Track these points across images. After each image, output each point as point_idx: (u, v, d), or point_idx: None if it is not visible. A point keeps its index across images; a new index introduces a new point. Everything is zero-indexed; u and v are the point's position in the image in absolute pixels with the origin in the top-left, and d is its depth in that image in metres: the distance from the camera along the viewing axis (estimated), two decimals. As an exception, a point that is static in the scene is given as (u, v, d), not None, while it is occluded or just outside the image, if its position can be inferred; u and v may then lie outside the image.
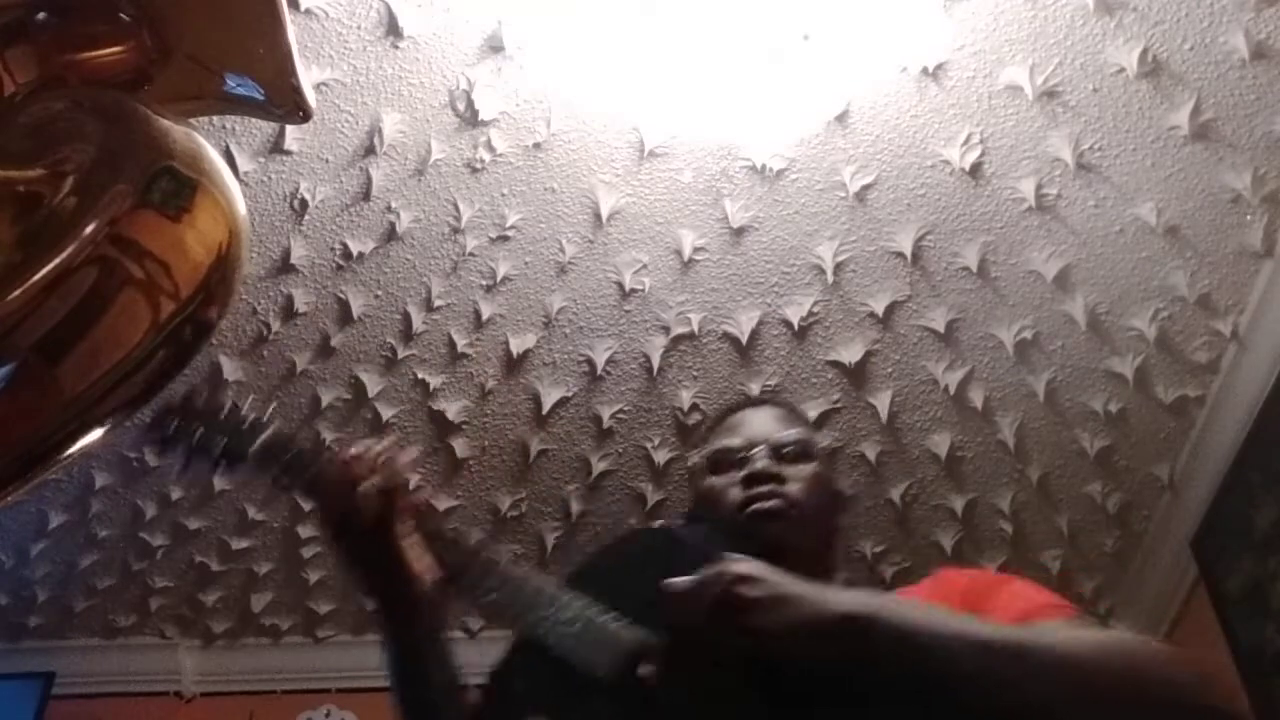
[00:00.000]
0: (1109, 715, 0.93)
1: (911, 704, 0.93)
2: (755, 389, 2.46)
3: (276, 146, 2.06)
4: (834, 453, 1.39)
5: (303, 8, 1.84)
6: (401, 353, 2.41)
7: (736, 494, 1.24)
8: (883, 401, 2.47)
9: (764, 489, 1.23)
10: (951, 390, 2.42)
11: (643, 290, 2.29)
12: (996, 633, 0.96)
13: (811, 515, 1.26)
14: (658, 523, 1.12)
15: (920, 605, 1.02)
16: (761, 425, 1.33)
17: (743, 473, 1.26)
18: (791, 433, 1.32)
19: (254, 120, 1.97)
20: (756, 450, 1.28)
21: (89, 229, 0.56)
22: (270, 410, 1.26)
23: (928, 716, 0.93)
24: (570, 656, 1.03)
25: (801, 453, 1.30)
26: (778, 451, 1.29)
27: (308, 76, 1.36)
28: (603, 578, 1.12)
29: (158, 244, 0.60)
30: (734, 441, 1.31)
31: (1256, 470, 2.34)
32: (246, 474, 1.26)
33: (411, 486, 1.17)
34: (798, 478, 1.26)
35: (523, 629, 1.09)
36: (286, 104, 0.75)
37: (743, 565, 0.96)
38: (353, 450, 1.17)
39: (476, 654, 3.06)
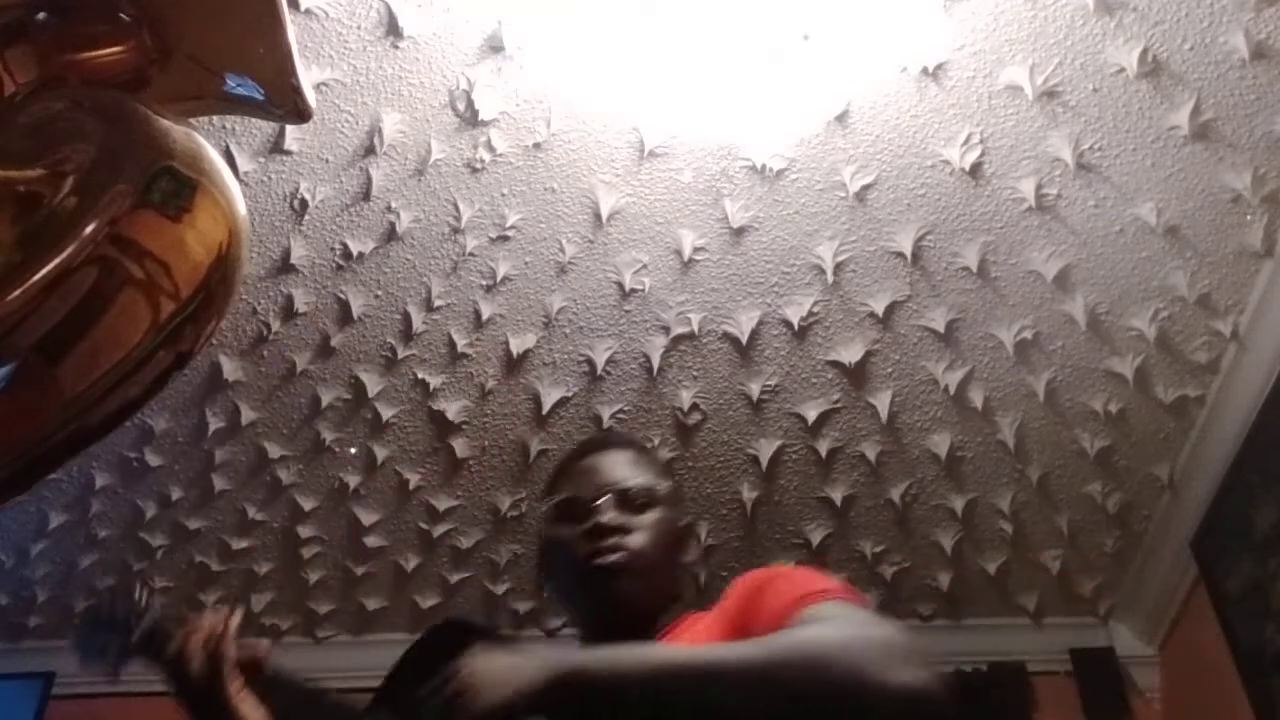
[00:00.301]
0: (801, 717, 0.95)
1: None
2: (755, 389, 2.46)
3: (276, 146, 2.06)
4: (678, 491, 1.43)
5: (303, 8, 1.84)
6: (401, 353, 2.41)
7: (583, 545, 1.28)
8: (883, 401, 2.47)
9: (608, 542, 1.27)
10: (951, 390, 2.42)
11: (643, 290, 2.29)
12: (691, 656, 1.02)
13: (654, 562, 1.30)
14: (436, 623, 1.22)
15: (633, 648, 1.06)
16: (609, 471, 1.36)
17: (588, 525, 1.29)
18: (638, 480, 1.34)
19: (254, 120, 1.97)
20: (603, 500, 1.31)
21: (89, 229, 0.56)
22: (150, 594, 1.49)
23: None
24: None
25: (648, 500, 1.33)
26: (624, 499, 1.32)
27: (308, 76, 1.36)
28: (390, 693, 1.20)
29: (158, 244, 0.60)
30: (582, 491, 1.34)
31: (1256, 470, 2.34)
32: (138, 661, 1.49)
33: (239, 644, 1.36)
34: (642, 526, 1.30)
35: None
36: (286, 104, 0.75)
37: (466, 659, 1.01)
38: (191, 625, 1.39)
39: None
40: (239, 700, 1.33)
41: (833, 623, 1.04)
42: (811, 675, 0.95)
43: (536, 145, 2.05)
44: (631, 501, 1.32)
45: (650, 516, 1.32)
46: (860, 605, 1.09)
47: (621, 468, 1.36)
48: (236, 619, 1.39)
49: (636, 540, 1.28)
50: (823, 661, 0.96)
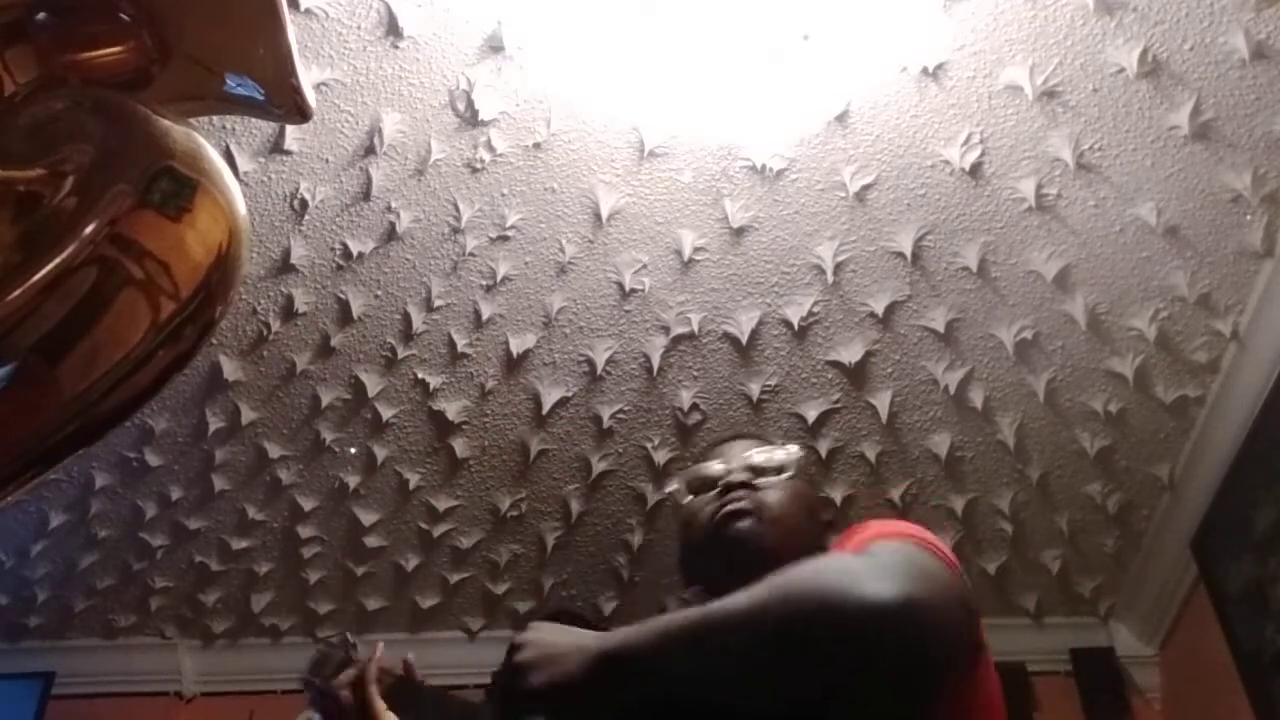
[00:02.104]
0: (787, 669, 0.92)
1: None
2: (755, 389, 2.46)
3: (276, 146, 2.06)
4: (809, 467, 1.44)
5: (303, 8, 1.84)
6: (401, 353, 2.41)
7: (712, 506, 1.30)
8: (883, 401, 2.47)
9: (737, 493, 1.29)
10: (951, 390, 2.42)
11: (643, 290, 2.29)
12: (688, 615, 1.00)
13: (783, 521, 1.29)
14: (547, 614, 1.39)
15: (654, 619, 1.05)
16: (737, 452, 1.39)
17: (718, 488, 1.31)
18: (765, 453, 1.37)
19: (254, 120, 1.97)
20: (732, 469, 1.34)
21: (89, 229, 0.56)
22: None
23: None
24: None
25: (777, 468, 1.35)
26: (754, 470, 1.34)
27: (308, 76, 1.36)
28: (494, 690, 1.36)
29: (158, 244, 0.60)
30: (712, 468, 1.37)
31: (1256, 470, 2.34)
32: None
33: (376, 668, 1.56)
34: (771, 485, 1.31)
35: None
36: (286, 104, 0.75)
37: (522, 634, 1.08)
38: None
39: (476, 654, 3.08)
40: (385, 714, 1.53)
41: (836, 558, 1.03)
42: (789, 607, 0.92)
43: (536, 145, 2.05)
44: (760, 469, 1.33)
45: (780, 478, 1.32)
46: (920, 548, 1.04)
47: (748, 449, 1.39)
48: (378, 657, 1.60)
49: (766, 495, 1.29)
50: (797, 591, 0.94)
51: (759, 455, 1.36)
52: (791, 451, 1.39)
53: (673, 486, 1.47)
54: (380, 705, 1.53)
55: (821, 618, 0.90)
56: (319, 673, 1.63)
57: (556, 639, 1.07)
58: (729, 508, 1.27)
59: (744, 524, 1.26)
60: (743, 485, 1.30)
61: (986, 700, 1.12)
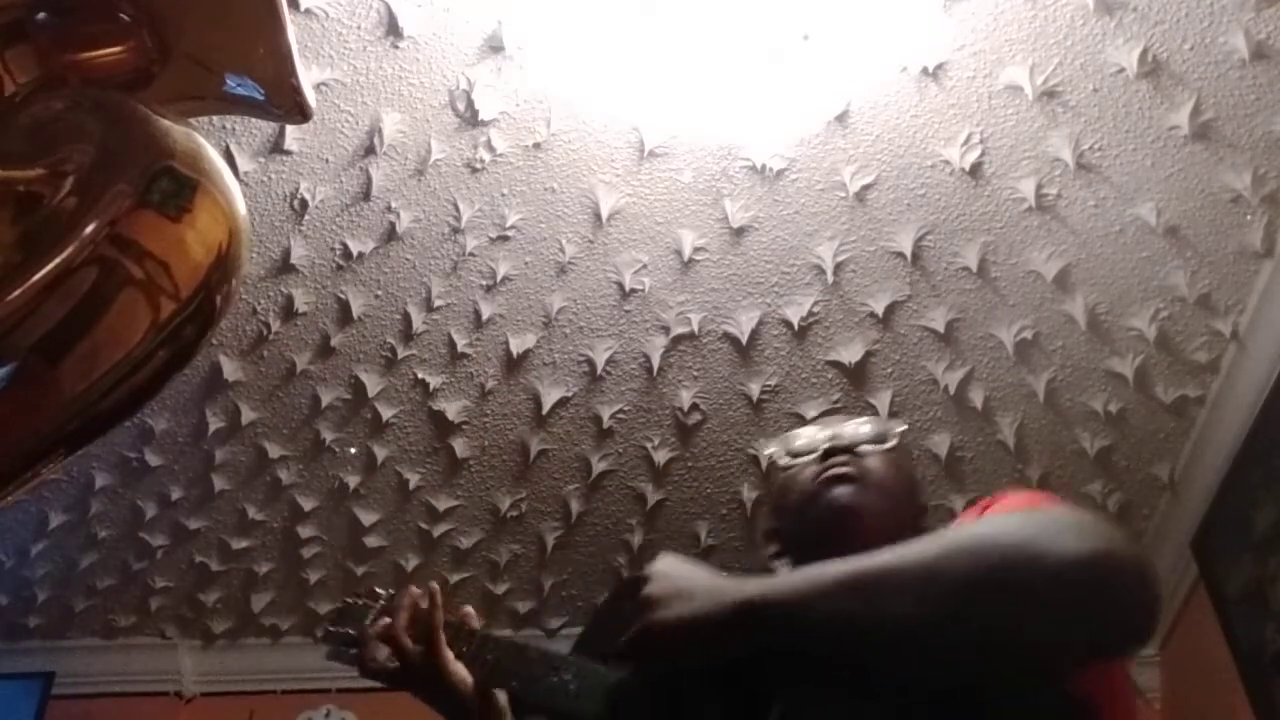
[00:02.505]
0: (977, 623, 0.85)
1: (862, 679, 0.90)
2: (755, 389, 2.46)
3: (276, 146, 2.06)
4: (914, 457, 1.40)
5: (303, 8, 1.84)
6: (401, 353, 2.41)
7: (813, 469, 1.26)
8: (883, 401, 2.47)
9: (839, 458, 1.25)
10: (951, 390, 2.42)
11: (643, 290, 2.29)
12: (858, 563, 0.92)
13: (885, 490, 1.24)
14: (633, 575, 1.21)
15: (810, 568, 0.97)
16: (837, 422, 1.35)
17: (820, 452, 1.27)
18: (867, 424, 1.33)
19: (254, 120, 1.97)
20: (833, 436, 1.30)
21: (89, 229, 0.56)
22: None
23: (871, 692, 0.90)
24: (571, 712, 1.14)
25: (878, 440, 1.30)
26: (854, 438, 1.30)
27: (308, 76, 1.36)
28: (589, 632, 1.26)
29: (158, 244, 0.60)
30: (812, 433, 1.33)
31: (1256, 470, 2.34)
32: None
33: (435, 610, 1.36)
34: (874, 454, 1.27)
35: (538, 701, 1.21)
36: (286, 104, 0.74)
37: (651, 568, 1.01)
38: (388, 608, 1.39)
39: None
40: (454, 668, 1.33)
41: (1008, 516, 0.97)
42: (978, 559, 0.86)
43: (536, 145, 2.05)
44: (860, 438, 1.30)
45: (882, 447, 1.29)
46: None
47: (851, 421, 1.36)
48: (438, 591, 1.40)
49: (869, 461, 1.25)
50: (989, 542, 0.88)
51: (863, 425, 1.33)
52: (894, 425, 1.35)
53: (769, 450, 1.40)
54: (449, 655, 1.33)
55: (1015, 568, 0.84)
56: (343, 625, 1.47)
57: (689, 575, 0.99)
58: (831, 472, 1.23)
59: (845, 489, 1.21)
60: (846, 450, 1.26)
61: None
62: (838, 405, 1.54)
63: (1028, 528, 0.88)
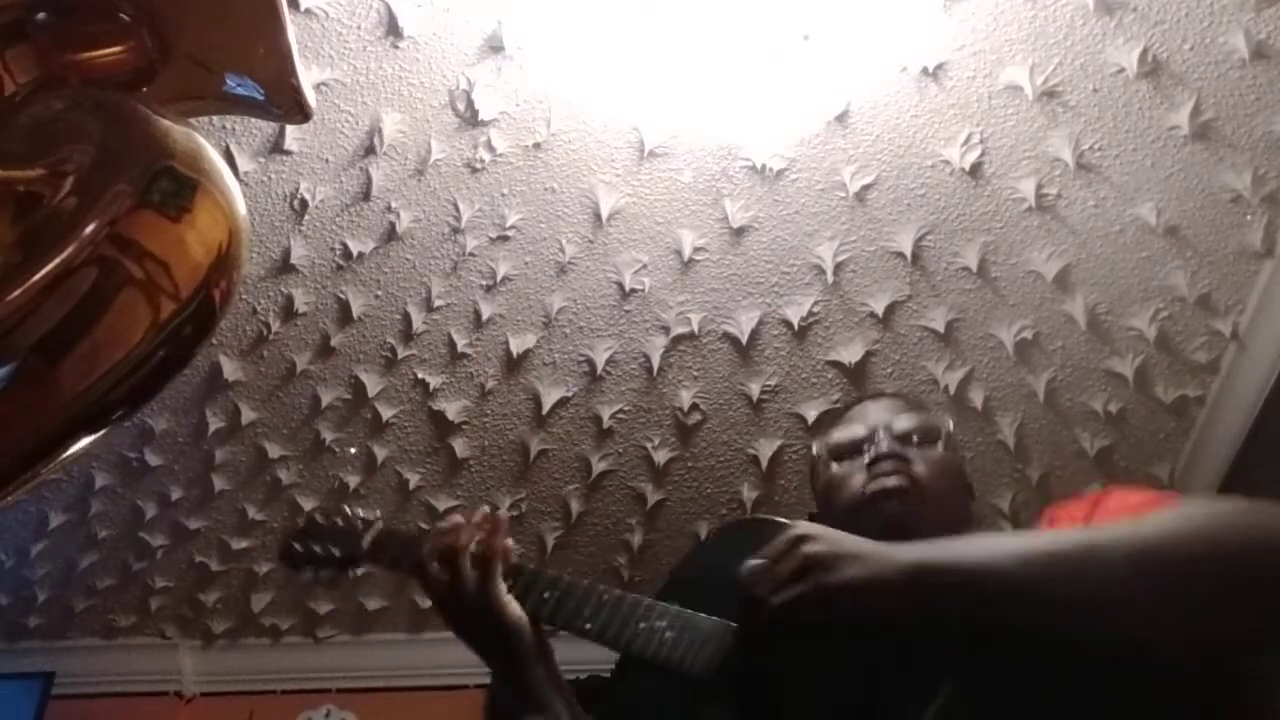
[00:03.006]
0: (1202, 603, 0.84)
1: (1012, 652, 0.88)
2: (755, 389, 2.46)
3: (276, 146, 2.06)
4: (955, 438, 1.36)
5: (303, 8, 1.84)
6: (401, 353, 2.41)
7: (861, 478, 1.22)
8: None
9: (888, 467, 1.21)
10: (951, 390, 2.42)
11: (643, 290, 2.29)
12: (1057, 539, 0.91)
13: (936, 498, 1.22)
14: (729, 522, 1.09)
15: (976, 538, 0.96)
16: (882, 413, 1.31)
17: (866, 458, 1.23)
18: (914, 418, 1.29)
19: (254, 120, 1.97)
20: (880, 435, 1.26)
21: (89, 229, 0.56)
22: (376, 514, 1.43)
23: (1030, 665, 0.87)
24: (672, 663, 1.04)
25: (926, 438, 1.27)
26: (902, 437, 1.26)
27: (308, 76, 1.36)
28: (689, 581, 1.13)
29: (158, 244, 0.60)
30: (857, 431, 1.29)
31: (1256, 470, 2.34)
32: (369, 568, 1.38)
33: (498, 540, 1.23)
34: (924, 460, 1.23)
35: (623, 647, 1.11)
36: (286, 104, 0.74)
37: (803, 527, 0.96)
38: (446, 524, 1.25)
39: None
40: (507, 600, 1.21)
41: (1208, 504, 0.95)
42: (1208, 546, 0.84)
43: (536, 145, 2.05)
44: (908, 437, 1.26)
45: (932, 452, 1.25)
46: None
47: (895, 410, 1.32)
48: (503, 515, 1.29)
49: (917, 469, 1.22)
50: (1219, 529, 0.86)
51: (905, 420, 1.29)
52: (940, 418, 1.32)
53: (813, 450, 1.38)
54: (503, 587, 1.21)
55: (1252, 557, 0.84)
56: (319, 543, 1.37)
57: (849, 539, 0.95)
58: (881, 484, 1.20)
59: (896, 505, 1.19)
60: (892, 456, 1.22)
61: None
62: (885, 391, 1.51)
63: (1261, 517, 0.87)
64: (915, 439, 1.26)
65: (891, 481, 1.19)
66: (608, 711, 1.17)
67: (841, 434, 1.30)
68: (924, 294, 2.28)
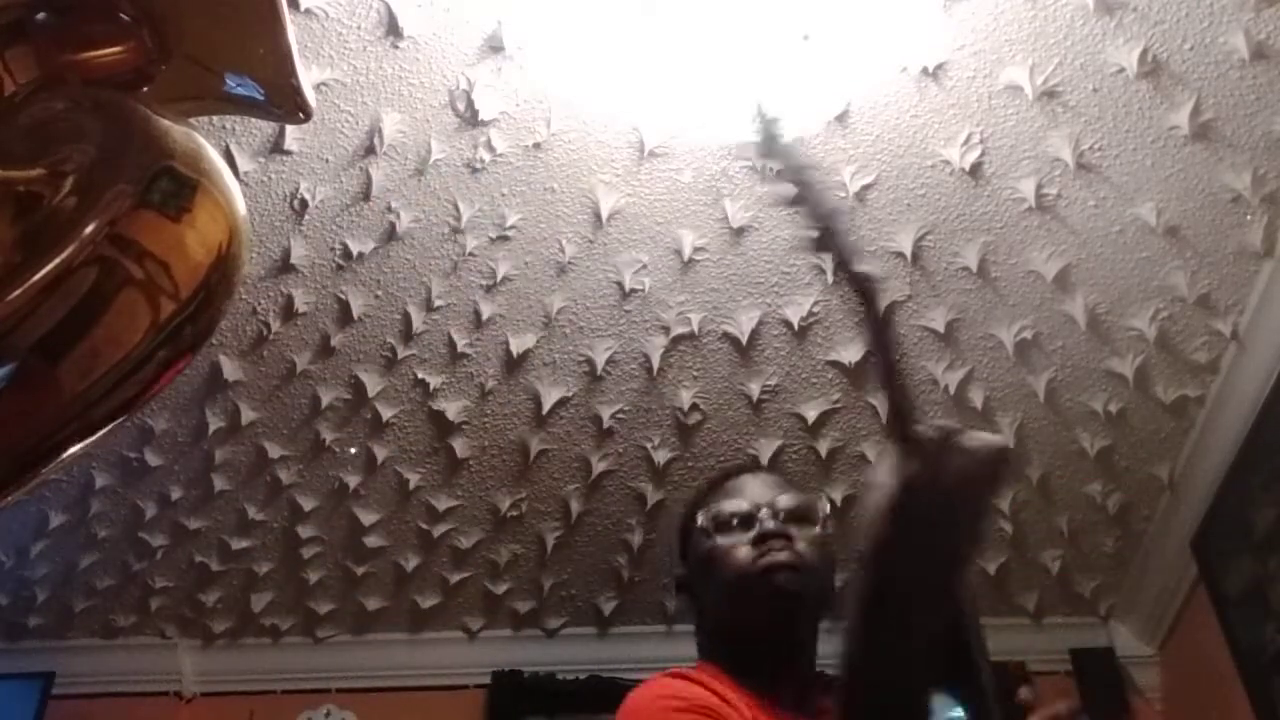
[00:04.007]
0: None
1: None
2: (755, 389, 2.46)
3: (276, 146, 2.06)
4: (833, 522, 1.51)
5: (303, 8, 1.84)
6: (401, 353, 2.41)
7: (747, 552, 1.35)
8: (883, 401, 2.47)
9: (777, 544, 1.34)
10: (951, 390, 2.42)
11: (643, 290, 2.29)
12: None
13: (817, 573, 1.36)
14: None
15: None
16: (764, 491, 1.44)
17: (752, 533, 1.36)
18: (795, 497, 1.42)
19: (254, 120, 1.97)
20: (764, 512, 1.38)
21: (89, 229, 0.56)
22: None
23: None
24: None
25: (807, 518, 1.40)
26: (785, 516, 1.39)
27: (308, 76, 1.36)
28: None
29: (158, 244, 0.60)
30: (740, 505, 1.41)
31: (1256, 471, 2.34)
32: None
33: None
34: (805, 539, 1.37)
35: None
36: (286, 104, 0.75)
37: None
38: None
39: (476, 654, 3.06)
40: None
41: None
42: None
43: (536, 145, 2.05)
44: (791, 516, 1.39)
45: (810, 530, 1.39)
46: None
47: (775, 489, 1.45)
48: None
49: (799, 546, 1.35)
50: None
51: (786, 499, 1.41)
52: (819, 500, 1.46)
53: (696, 519, 1.47)
54: None
55: None
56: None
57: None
58: (773, 558, 1.33)
59: (786, 574, 1.32)
60: (779, 535, 1.35)
61: None
62: (755, 466, 1.53)
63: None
64: (797, 518, 1.40)
65: (783, 556, 1.33)
66: None
67: (726, 506, 1.42)
68: (924, 294, 2.28)
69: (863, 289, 0.93)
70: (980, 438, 0.92)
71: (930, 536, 0.87)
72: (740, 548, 1.36)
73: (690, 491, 2.67)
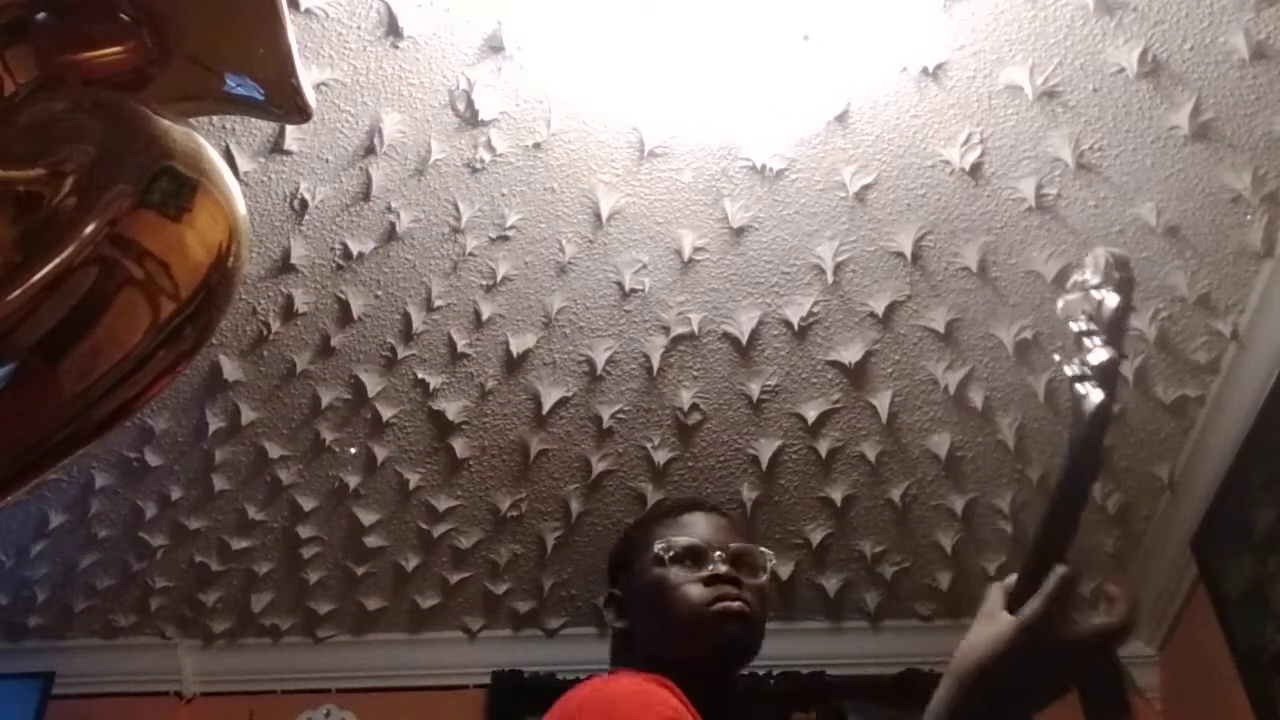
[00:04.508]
0: None
1: None
2: (755, 389, 2.46)
3: (276, 146, 2.06)
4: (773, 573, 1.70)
5: (303, 8, 1.84)
6: (401, 353, 2.41)
7: (700, 592, 1.43)
8: (883, 401, 2.47)
9: (731, 591, 1.42)
10: (951, 390, 2.42)
11: (643, 290, 2.29)
12: None
13: (761, 625, 1.46)
14: None
15: None
16: (717, 532, 1.53)
17: (705, 572, 1.44)
18: (745, 545, 1.53)
19: (254, 120, 1.97)
20: (717, 554, 1.47)
21: (89, 229, 0.56)
22: None
23: None
24: None
25: (755, 566, 1.51)
26: (735, 561, 1.48)
27: (308, 76, 1.36)
28: None
29: (158, 244, 0.60)
30: (694, 540, 1.50)
31: (1256, 471, 2.34)
32: None
33: None
34: (750, 587, 1.46)
35: None
36: (286, 104, 0.75)
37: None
38: None
39: (476, 655, 3.07)
40: None
41: None
42: None
43: (536, 145, 2.05)
44: (742, 560, 1.48)
45: (758, 581, 1.48)
46: None
47: (727, 532, 1.54)
48: None
49: (749, 595, 1.44)
50: None
51: (737, 545, 1.51)
52: (764, 552, 1.55)
53: (651, 544, 1.55)
54: None
55: None
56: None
57: None
58: (726, 605, 1.41)
59: (737, 626, 1.41)
60: (730, 580, 1.44)
61: None
62: (707, 503, 1.66)
63: None
64: (747, 564, 1.49)
65: (735, 605, 1.41)
66: None
67: (678, 539, 1.50)
68: (924, 294, 2.28)
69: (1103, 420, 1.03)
70: (1099, 625, 1.02)
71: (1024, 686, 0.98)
72: (692, 585, 1.43)
73: (691, 491, 2.68)
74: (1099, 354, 1.07)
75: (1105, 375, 1.04)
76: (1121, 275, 1.10)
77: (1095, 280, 1.10)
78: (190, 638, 3.14)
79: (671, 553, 1.48)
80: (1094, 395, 1.06)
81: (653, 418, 2.55)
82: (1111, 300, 1.08)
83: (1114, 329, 1.07)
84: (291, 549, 2.86)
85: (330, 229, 2.20)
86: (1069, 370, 1.08)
